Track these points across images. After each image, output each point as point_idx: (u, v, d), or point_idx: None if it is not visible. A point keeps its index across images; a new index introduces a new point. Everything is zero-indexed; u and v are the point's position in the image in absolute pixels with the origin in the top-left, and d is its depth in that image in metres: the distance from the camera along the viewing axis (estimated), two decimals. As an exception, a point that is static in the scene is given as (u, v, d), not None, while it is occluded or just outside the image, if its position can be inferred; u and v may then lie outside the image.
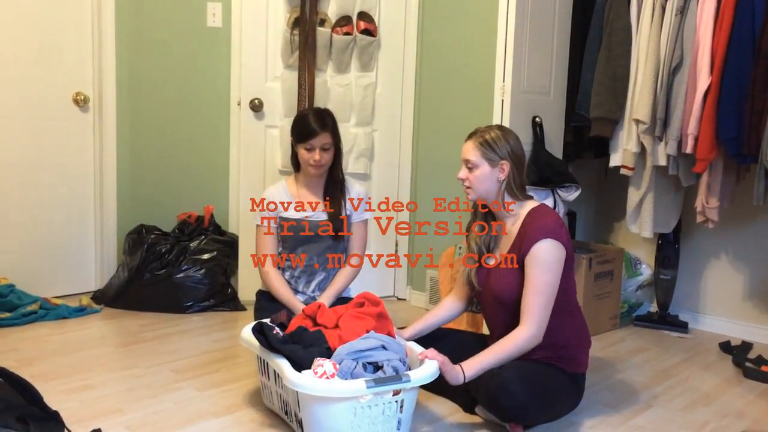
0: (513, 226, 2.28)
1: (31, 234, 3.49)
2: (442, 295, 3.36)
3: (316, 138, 2.66)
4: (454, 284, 2.54)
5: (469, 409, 2.32)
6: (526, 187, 2.34)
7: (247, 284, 3.48)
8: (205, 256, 3.50)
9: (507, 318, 2.25)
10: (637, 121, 3.04)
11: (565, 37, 3.25)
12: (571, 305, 2.32)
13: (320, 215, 2.78)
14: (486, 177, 2.24)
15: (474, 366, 2.14)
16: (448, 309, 2.50)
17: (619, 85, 3.11)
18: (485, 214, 2.37)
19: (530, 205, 2.28)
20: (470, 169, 2.26)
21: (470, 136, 2.28)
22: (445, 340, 2.46)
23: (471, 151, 2.25)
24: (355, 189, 2.85)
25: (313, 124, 2.67)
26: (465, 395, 2.28)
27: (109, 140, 3.67)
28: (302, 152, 2.70)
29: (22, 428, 1.88)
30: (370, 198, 2.94)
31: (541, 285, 2.15)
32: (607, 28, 3.16)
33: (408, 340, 2.34)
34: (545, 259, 2.15)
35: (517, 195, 2.27)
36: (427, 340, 2.38)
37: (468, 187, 2.28)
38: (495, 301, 2.30)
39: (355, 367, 1.98)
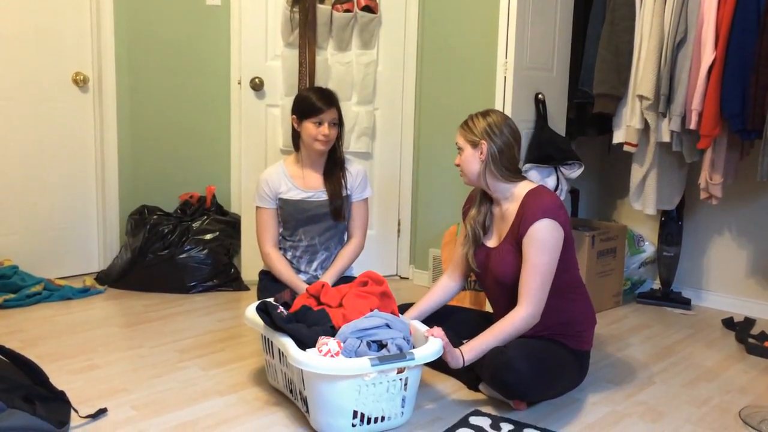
0: (511, 208, 2.27)
1: (33, 215, 3.49)
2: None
3: (325, 113, 2.66)
4: (450, 263, 2.54)
5: (473, 386, 2.33)
6: (527, 165, 2.33)
7: (249, 264, 3.48)
8: (208, 237, 3.50)
9: (508, 299, 2.25)
10: (641, 97, 3.02)
11: (568, 13, 3.22)
12: (575, 283, 2.31)
13: (320, 195, 2.77)
14: (469, 159, 2.27)
15: (474, 349, 2.15)
16: (444, 290, 2.49)
17: (623, 61, 3.08)
18: (481, 197, 2.37)
19: (527, 186, 2.27)
20: (459, 153, 2.31)
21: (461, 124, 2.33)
22: (450, 318, 2.46)
23: (458, 136, 2.31)
24: (354, 168, 2.84)
25: (321, 100, 2.67)
26: (469, 373, 2.29)
27: (109, 120, 3.66)
28: (310, 127, 2.68)
29: (29, 408, 1.89)
30: (371, 195, 2.93)
31: (539, 265, 2.15)
32: (610, 3, 3.12)
33: None
34: (543, 239, 2.15)
35: (499, 176, 2.25)
36: (431, 319, 2.39)
37: (461, 171, 2.32)
38: (496, 283, 2.31)
39: (359, 346, 1.99)
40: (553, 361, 2.21)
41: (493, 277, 2.30)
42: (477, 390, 2.32)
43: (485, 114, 2.28)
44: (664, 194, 3.19)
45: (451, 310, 2.56)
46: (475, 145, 2.25)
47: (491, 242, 2.34)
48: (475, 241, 2.37)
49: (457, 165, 2.33)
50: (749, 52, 2.77)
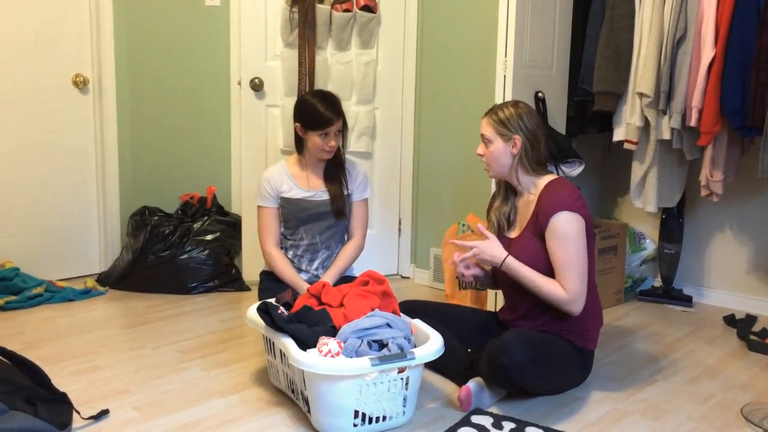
0: (531, 199, 2.29)
1: (34, 217, 3.49)
2: (445, 273, 3.36)
3: (332, 126, 2.66)
4: None
5: (462, 384, 2.31)
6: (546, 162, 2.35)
7: (250, 264, 3.48)
8: (209, 237, 3.50)
9: (526, 291, 2.24)
10: (641, 95, 3.01)
11: (568, 11, 3.21)
12: (588, 281, 2.32)
13: (321, 195, 2.77)
14: (500, 152, 2.27)
15: (513, 265, 2.21)
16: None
17: (623, 59, 3.08)
18: (506, 189, 2.38)
19: (547, 178, 2.29)
20: (486, 145, 2.29)
21: (486, 113, 2.32)
22: (455, 319, 2.46)
23: (486, 126, 2.30)
24: (355, 168, 2.84)
25: (327, 112, 2.66)
26: (463, 375, 2.29)
27: (109, 122, 3.66)
28: (316, 140, 2.68)
29: (30, 410, 1.90)
30: (371, 195, 2.93)
31: (569, 258, 2.16)
32: (609, 1, 3.12)
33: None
34: (564, 233, 2.16)
35: (530, 170, 2.28)
36: (433, 318, 2.37)
37: (486, 163, 2.32)
38: None
39: (360, 345, 1.99)
40: (552, 351, 2.21)
41: None
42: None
43: (515, 105, 2.29)
44: (664, 192, 3.19)
45: (457, 310, 2.55)
46: (507, 138, 2.25)
47: (513, 233, 2.36)
48: (498, 232, 2.37)
49: (480, 155, 2.32)
50: (749, 49, 2.76)
